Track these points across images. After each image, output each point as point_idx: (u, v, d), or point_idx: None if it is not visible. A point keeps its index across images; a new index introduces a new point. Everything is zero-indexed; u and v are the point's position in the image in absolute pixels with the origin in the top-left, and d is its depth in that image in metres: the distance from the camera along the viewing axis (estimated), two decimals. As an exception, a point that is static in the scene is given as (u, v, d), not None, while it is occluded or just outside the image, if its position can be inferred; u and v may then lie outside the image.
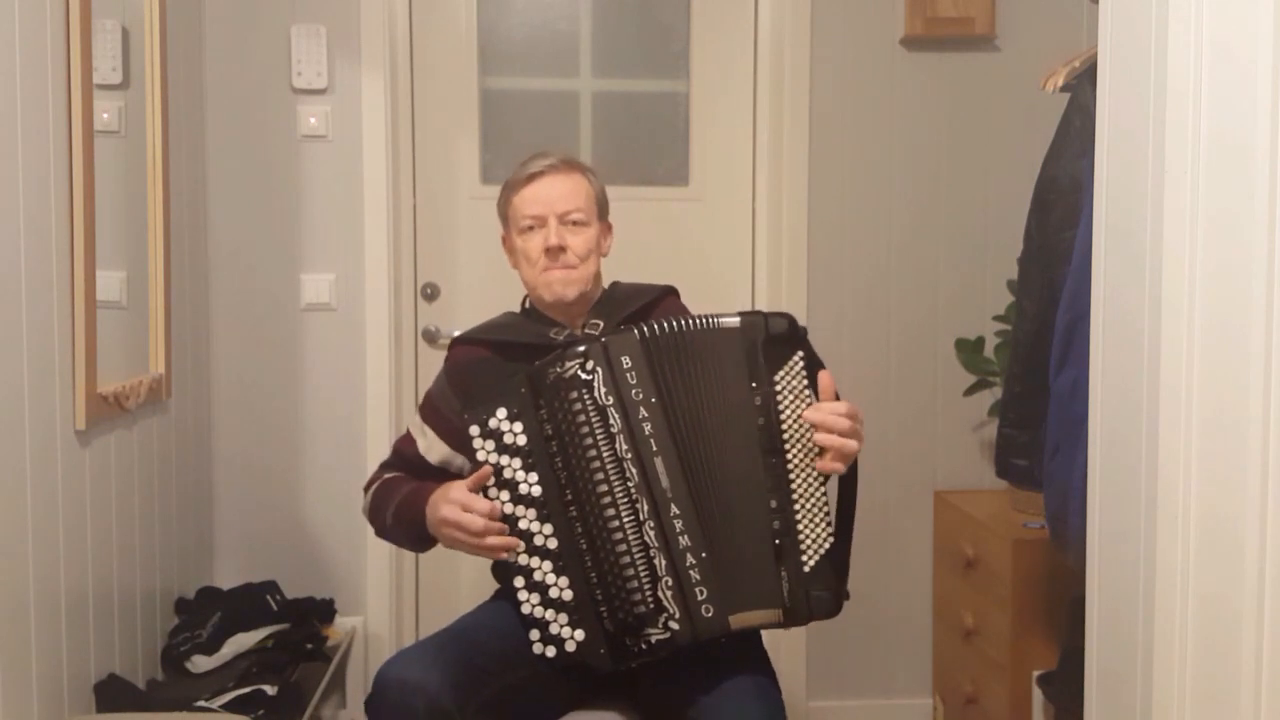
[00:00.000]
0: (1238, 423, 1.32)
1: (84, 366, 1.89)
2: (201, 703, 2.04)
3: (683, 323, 1.63)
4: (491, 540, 1.60)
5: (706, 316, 1.65)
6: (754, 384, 1.61)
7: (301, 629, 2.42)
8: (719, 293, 2.90)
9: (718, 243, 2.93)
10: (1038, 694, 2.34)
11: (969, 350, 2.81)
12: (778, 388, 1.61)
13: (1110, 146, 1.50)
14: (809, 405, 1.62)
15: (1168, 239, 1.34)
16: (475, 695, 1.55)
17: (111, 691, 1.99)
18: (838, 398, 1.64)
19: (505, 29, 2.90)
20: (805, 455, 1.61)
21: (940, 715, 2.84)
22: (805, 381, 1.62)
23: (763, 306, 2.89)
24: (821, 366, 1.64)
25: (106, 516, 2.04)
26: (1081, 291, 1.73)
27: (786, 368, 1.62)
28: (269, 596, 2.48)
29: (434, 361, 2.83)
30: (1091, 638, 1.56)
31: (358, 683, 2.70)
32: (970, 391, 2.79)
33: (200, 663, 2.22)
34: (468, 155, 2.88)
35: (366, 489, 1.88)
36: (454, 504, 1.62)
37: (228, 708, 2.04)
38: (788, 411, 1.61)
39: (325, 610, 2.61)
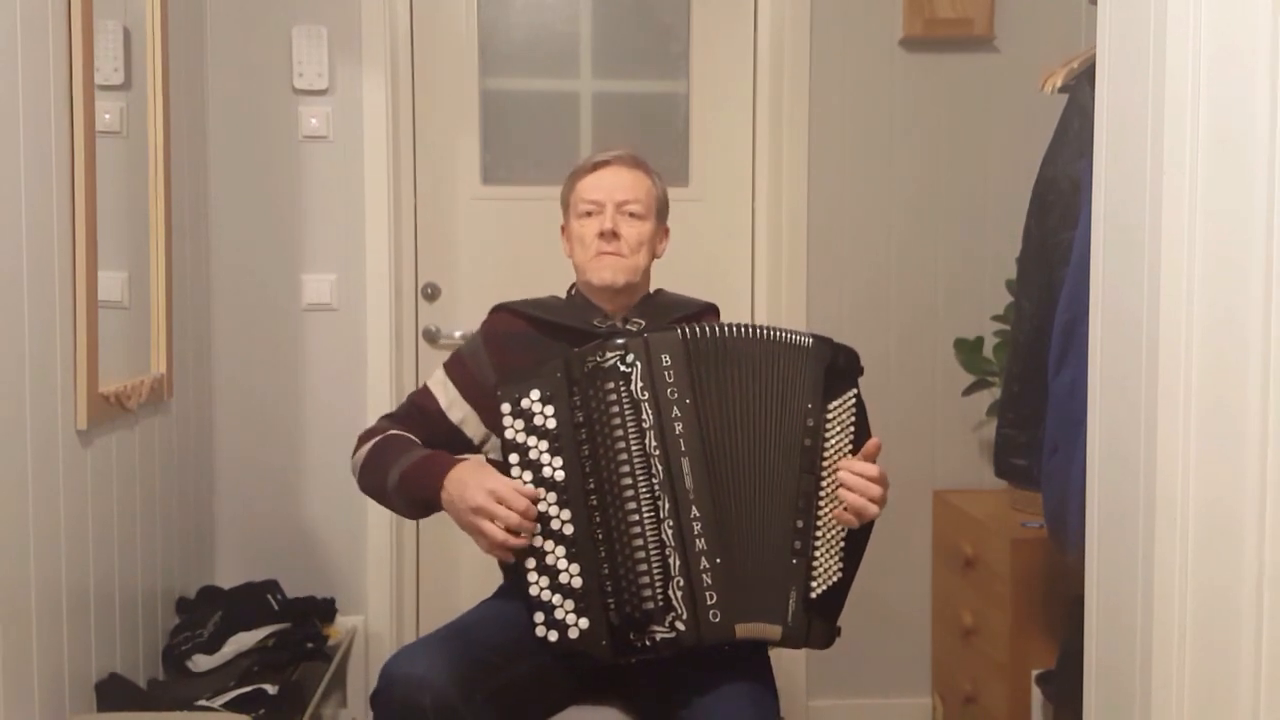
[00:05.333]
0: (1236, 421, 1.33)
1: (85, 366, 1.89)
2: (203, 702, 2.05)
3: (734, 330, 1.64)
4: (514, 542, 1.58)
5: (777, 329, 1.66)
6: (810, 405, 1.62)
7: (302, 628, 2.42)
8: (719, 293, 2.86)
9: (718, 243, 2.94)
10: (1037, 693, 2.34)
11: (968, 350, 2.82)
12: (828, 416, 1.62)
13: (1109, 147, 1.51)
14: (851, 442, 1.63)
15: (1166, 239, 1.34)
16: (480, 688, 1.55)
17: (113, 690, 1.99)
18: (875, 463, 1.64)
19: (506, 30, 2.91)
20: (837, 488, 1.62)
21: (939, 714, 2.85)
22: (853, 418, 1.64)
23: (763, 306, 2.90)
24: (865, 412, 1.66)
25: (108, 516, 2.04)
26: (1080, 291, 1.74)
27: (841, 400, 1.64)
28: (270, 596, 2.48)
29: (435, 361, 2.84)
30: (1090, 636, 1.57)
31: (359, 682, 2.71)
32: (969, 391, 2.80)
33: (201, 662, 2.23)
34: (468, 156, 2.89)
35: (363, 438, 1.82)
36: (491, 494, 1.58)
37: (229, 707, 2.04)
38: (833, 441, 1.62)
39: (326, 609, 2.62)
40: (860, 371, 1.68)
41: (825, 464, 1.62)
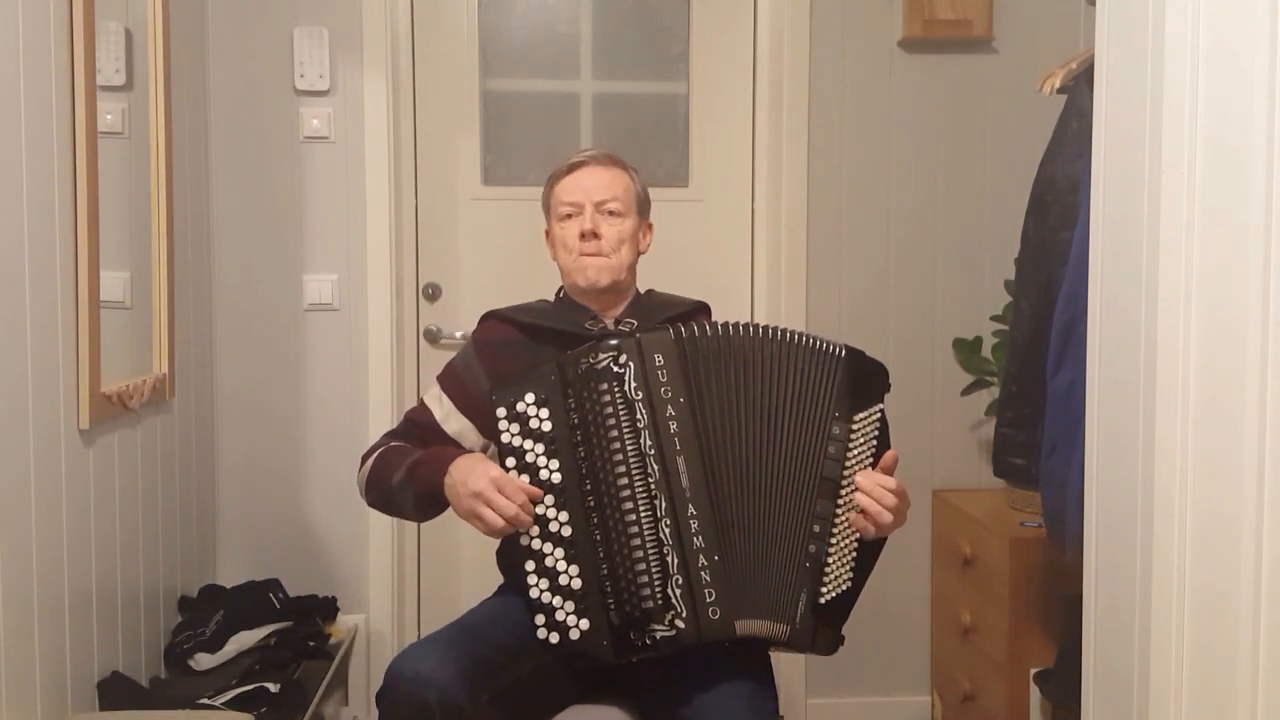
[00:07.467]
0: (1233, 420, 1.33)
1: (88, 366, 1.90)
2: (204, 700, 2.05)
3: (743, 330, 1.64)
4: (509, 529, 1.59)
5: (806, 335, 1.66)
6: (837, 414, 1.62)
7: (304, 627, 2.43)
8: (718, 293, 2.87)
9: (717, 243, 2.95)
10: (1035, 691, 2.35)
11: (967, 350, 2.82)
12: (853, 427, 1.63)
13: (1107, 147, 1.51)
14: (872, 455, 1.64)
15: (1164, 239, 1.35)
16: (485, 687, 1.56)
17: (115, 689, 2.00)
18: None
19: (506, 31, 2.92)
20: (854, 493, 1.62)
21: (938, 712, 2.86)
22: (877, 432, 1.65)
23: (762, 306, 2.91)
24: (888, 428, 1.66)
25: (110, 515, 2.05)
26: (1078, 291, 1.75)
27: (867, 413, 1.64)
28: (271, 594, 2.49)
29: (436, 361, 2.85)
30: (1089, 634, 1.57)
31: (360, 680, 2.72)
32: (968, 391, 2.81)
33: (203, 660, 2.23)
34: (469, 156, 2.90)
35: (366, 456, 1.84)
36: (493, 482, 1.59)
37: (230, 705, 2.05)
38: (855, 452, 1.62)
39: (328, 608, 2.62)
40: (888, 388, 1.67)
41: (846, 474, 1.62)
